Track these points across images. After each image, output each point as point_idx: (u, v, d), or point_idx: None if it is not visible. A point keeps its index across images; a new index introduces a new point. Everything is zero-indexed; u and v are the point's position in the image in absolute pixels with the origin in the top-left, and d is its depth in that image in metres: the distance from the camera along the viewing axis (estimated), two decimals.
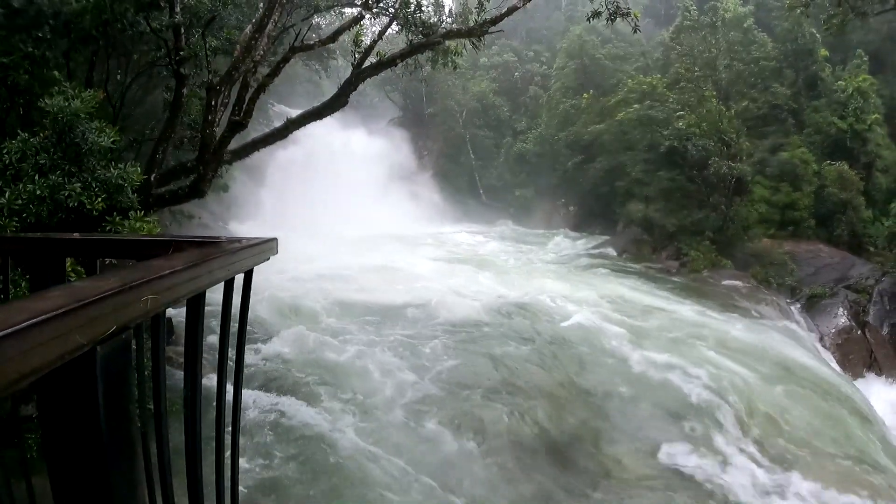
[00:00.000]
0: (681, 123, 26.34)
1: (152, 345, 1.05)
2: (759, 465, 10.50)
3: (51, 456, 0.90)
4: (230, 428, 1.45)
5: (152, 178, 9.58)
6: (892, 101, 30.44)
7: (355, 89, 13.42)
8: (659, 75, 32.52)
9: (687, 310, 17.22)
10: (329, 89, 16.42)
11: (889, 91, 30.59)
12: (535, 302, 16.19)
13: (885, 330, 19.99)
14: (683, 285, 20.63)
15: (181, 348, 1.32)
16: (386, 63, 13.40)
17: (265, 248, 1.35)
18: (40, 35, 8.16)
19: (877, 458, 11.51)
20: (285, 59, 12.35)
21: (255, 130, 14.75)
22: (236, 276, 1.24)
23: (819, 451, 11.12)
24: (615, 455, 10.27)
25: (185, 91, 10.17)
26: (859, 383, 16.34)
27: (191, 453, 1.20)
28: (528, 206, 37.88)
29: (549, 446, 10.12)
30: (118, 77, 11.22)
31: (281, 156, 28.92)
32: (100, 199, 6.45)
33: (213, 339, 1.46)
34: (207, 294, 1.14)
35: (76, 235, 1.36)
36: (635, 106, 29.82)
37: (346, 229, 25.52)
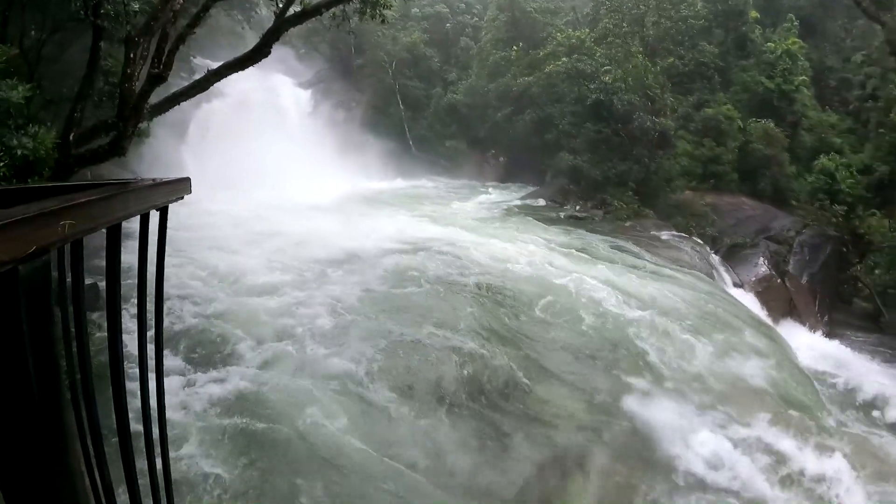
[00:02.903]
0: (607, 78, 26.81)
1: (72, 270, 1.13)
2: (686, 401, 11.03)
3: None
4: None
5: (71, 138, 9.29)
6: (821, 64, 31.67)
7: (278, 39, 13.14)
8: (588, 30, 32.79)
9: (613, 256, 17.89)
10: (252, 41, 15.94)
11: (818, 55, 31.77)
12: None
13: (805, 279, 21.11)
14: (608, 233, 21.29)
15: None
16: (310, 12, 13.16)
17: (179, 186, 1.43)
18: None
19: (796, 395, 12.36)
20: (205, 8, 12.00)
21: (176, 85, 14.30)
22: (152, 213, 1.33)
23: (743, 389, 11.78)
24: (546, 396, 10.64)
25: (102, 45, 9.82)
26: (779, 328, 17.18)
27: (116, 386, 1.30)
28: (459, 157, 37.93)
29: (481, 390, 10.35)
30: (33, 33, 10.70)
31: (205, 110, 28.00)
32: (2, 164, 6.16)
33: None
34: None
35: None
36: (564, 59, 30.07)
37: (286, 191, 24.74)
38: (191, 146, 27.63)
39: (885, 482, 10.56)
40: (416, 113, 40.19)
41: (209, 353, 10.53)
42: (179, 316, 11.42)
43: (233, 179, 23.74)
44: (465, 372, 10.62)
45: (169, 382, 8.85)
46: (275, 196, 23.70)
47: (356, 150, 34.40)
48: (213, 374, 9.85)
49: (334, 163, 32.03)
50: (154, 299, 1.52)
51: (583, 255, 17.45)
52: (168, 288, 11.12)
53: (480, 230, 19.93)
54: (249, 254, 15.37)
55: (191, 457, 7.92)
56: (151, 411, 1.50)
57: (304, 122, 35.45)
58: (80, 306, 1.17)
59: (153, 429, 1.52)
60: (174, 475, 1.96)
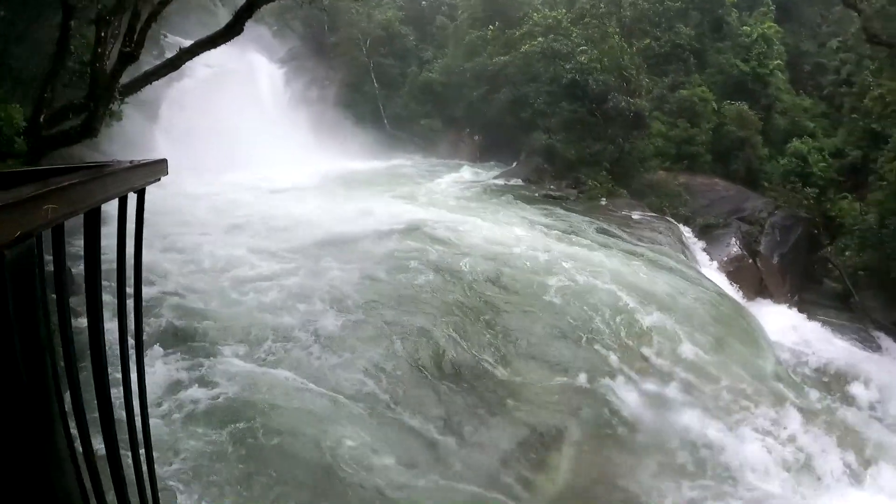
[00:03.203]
0: (583, 58, 26.74)
1: (54, 255, 1.14)
2: (659, 381, 11.14)
3: None
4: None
5: (41, 120, 9.13)
6: (796, 49, 32.10)
7: (251, 16, 12.90)
8: (564, 10, 32.76)
9: (606, 241, 17.85)
10: (225, 18, 15.70)
11: (793, 40, 32.15)
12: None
13: (776, 259, 21.62)
14: (584, 212, 21.36)
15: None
16: None
17: (156, 168, 1.44)
18: None
19: (766, 373, 12.57)
20: None
21: (147, 63, 14.06)
22: (129, 195, 1.33)
23: (714, 367, 11.90)
24: (520, 376, 10.60)
25: (72, 23, 9.63)
26: (751, 306, 17.51)
27: (97, 369, 1.32)
28: (434, 136, 37.76)
29: (454, 369, 10.30)
30: (3, 13, 10.45)
31: (178, 89, 27.46)
32: None
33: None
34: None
35: None
36: (540, 39, 29.98)
37: (262, 172, 24.36)
38: (163, 126, 27.15)
39: None
40: (392, 91, 39.87)
41: (201, 356, 9.47)
42: (160, 313, 10.41)
43: (207, 160, 23.32)
44: (506, 393, 10.25)
45: (152, 389, 7.84)
46: (250, 177, 23.44)
47: (330, 129, 34.10)
48: (207, 381, 8.78)
49: (309, 142, 31.73)
50: (133, 285, 1.53)
51: (573, 237, 17.41)
52: (147, 283, 10.80)
53: (464, 210, 19.80)
54: (233, 241, 14.75)
55: (184, 479, 7.01)
56: (136, 406, 1.50)
57: (279, 100, 35.07)
58: (62, 291, 1.19)
59: (138, 424, 1.52)
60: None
